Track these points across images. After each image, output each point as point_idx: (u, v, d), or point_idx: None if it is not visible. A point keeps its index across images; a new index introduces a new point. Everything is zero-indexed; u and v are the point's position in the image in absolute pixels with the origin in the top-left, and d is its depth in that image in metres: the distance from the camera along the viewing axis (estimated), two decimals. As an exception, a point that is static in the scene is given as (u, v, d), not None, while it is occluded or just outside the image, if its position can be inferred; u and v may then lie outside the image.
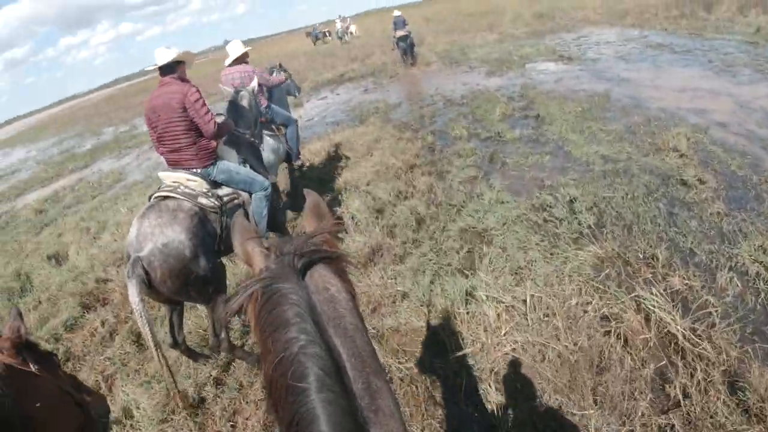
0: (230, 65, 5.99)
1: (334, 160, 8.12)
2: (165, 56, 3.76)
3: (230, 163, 4.12)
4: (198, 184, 3.77)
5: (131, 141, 18.26)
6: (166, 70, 3.79)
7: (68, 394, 2.01)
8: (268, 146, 5.61)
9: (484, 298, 3.72)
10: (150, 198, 3.69)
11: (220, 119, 4.17)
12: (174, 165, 3.89)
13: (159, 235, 3.24)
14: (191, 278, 3.33)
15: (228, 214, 3.82)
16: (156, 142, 3.93)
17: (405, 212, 5.54)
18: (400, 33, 17.00)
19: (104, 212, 9.33)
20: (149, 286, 3.19)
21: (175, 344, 3.80)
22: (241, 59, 5.99)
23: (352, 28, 37.34)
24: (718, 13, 17.86)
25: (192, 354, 3.95)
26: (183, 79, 3.84)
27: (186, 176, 3.76)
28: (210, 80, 32.68)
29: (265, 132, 5.67)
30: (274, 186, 5.04)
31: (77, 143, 23.96)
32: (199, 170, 3.84)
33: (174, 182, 3.75)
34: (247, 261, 1.32)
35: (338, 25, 37.09)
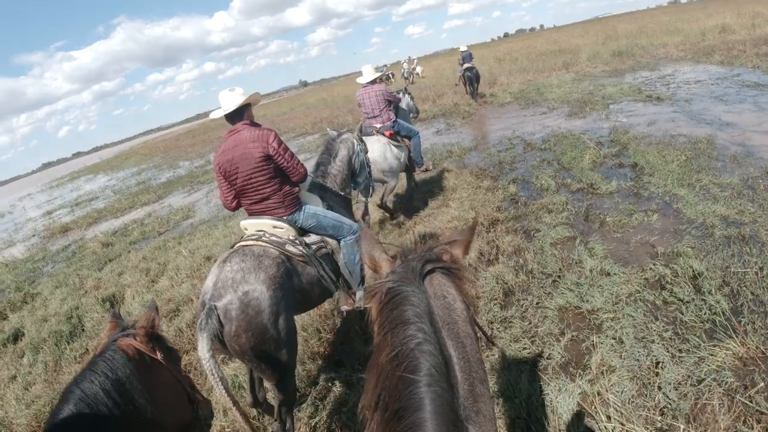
0: (365, 86, 6.77)
1: (407, 211, 7.51)
2: (232, 101, 3.45)
3: (317, 208, 3.85)
4: (285, 230, 3.55)
5: (203, 176, 18.56)
6: (235, 116, 3.49)
7: (185, 390, 2.19)
8: (392, 154, 6.59)
9: (605, 421, 2.91)
10: (232, 246, 3.39)
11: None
12: (259, 215, 3.63)
13: (241, 282, 2.91)
14: (266, 337, 2.90)
15: (315, 264, 3.52)
16: (229, 195, 3.63)
17: (489, 281, 4.82)
18: (467, 65, 18.07)
19: (166, 252, 9.12)
20: (221, 340, 2.85)
21: (255, 403, 3.49)
22: (374, 81, 6.80)
23: (419, 69, 37.52)
24: (813, 50, 16.41)
25: (274, 411, 3.38)
26: (254, 124, 3.54)
27: (272, 222, 3.53)
28: (284, 119, 33.86)
29: (392, 143, 6.65)
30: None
31: (154, 175, 24.92)
32: (285, 217, 3.60)
33: (259, 230, 3.52)
34: (374, 267, 1.45)
35: (404, 65, 37.65)
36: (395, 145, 6.67)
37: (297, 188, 3.71)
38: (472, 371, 1.14)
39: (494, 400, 1.58)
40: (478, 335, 1.42)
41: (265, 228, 3.52)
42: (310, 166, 4.60)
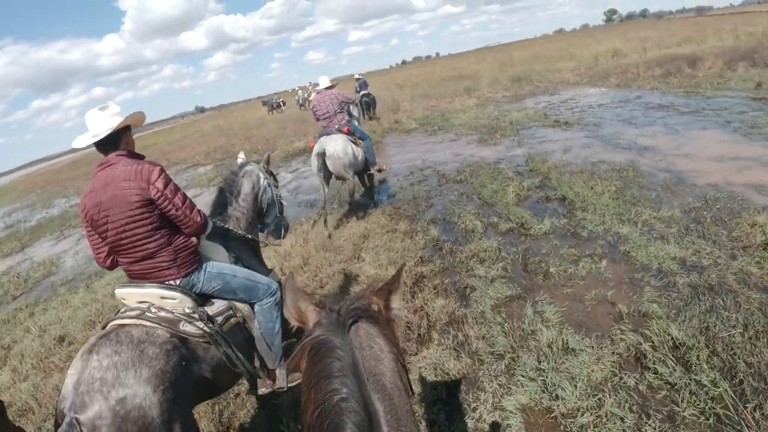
0: (321, 92, 7.29)
1: (309, 266, 6.23)
2: (104, 123, 2.59)
3: (221, 263, 2.99)
4: (178, 302, 2.68)
5: (76, 219, 16.05)
6: (108, 144, 2.63)
7: None
8: (352, 149, 6.89)
9: None
10: (104, 326, 2.53)
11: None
12: (142, 279, 2.72)
13: (113, 385, 2.15)
14: None
15: (222, 344, 2.70)
16: (101, 251, 2.76)
17: (427, 371, 3.68)
18: (363, 92, 19.42)
19: (14, 329, 7.18)
20: None
21: None
22: (330, 87, 7.31)
23: (312, 96, 36.49)
24: (703, 69, 17.28)
25: None
26: (134, 155, 2.71)
27: (159, 292, 2.64)
28: (175, 148, 31.26)
29: (349, 138, 6.92)
30: None
31: (25, 216, 21.87)
32: (178, 281, 2.72)
33: (141, 302, 2.63)
34: (300, 319, 1.41)
35: (299, 92, 37.68)
36: (353, 141, 6.99)
37: (193, 240, 2.81)
38: (401, 425, 1.06)
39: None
40: (407, 387, 1.26)
41: (150, 299, 2.63)
42: (205, 205, 3.48)
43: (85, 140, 2.64)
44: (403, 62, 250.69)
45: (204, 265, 2.84)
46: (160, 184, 2.54)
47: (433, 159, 11.03)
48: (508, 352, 3.69)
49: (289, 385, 3.14)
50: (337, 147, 6.69)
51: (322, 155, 6.79)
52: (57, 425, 2.12)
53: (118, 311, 2.66)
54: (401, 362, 1.26)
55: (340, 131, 6.92)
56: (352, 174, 7.12)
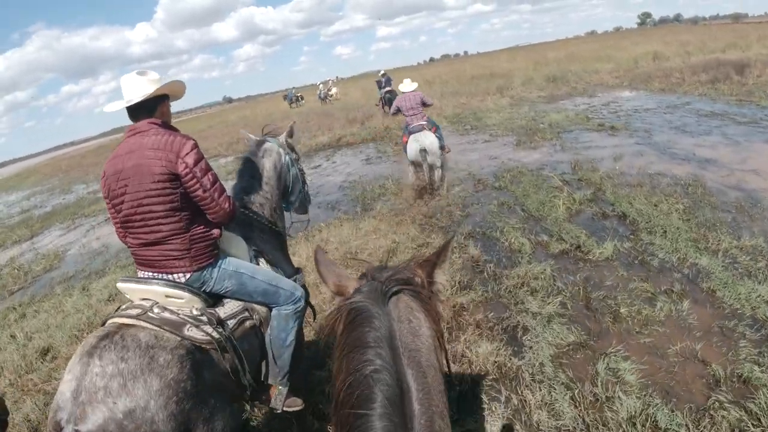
0: (405, 93, 8.48)
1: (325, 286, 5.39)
2: (139, 89, 2.33)
3: (239, 261, 2.62)
4: (185, 302, 2.34)
5: (90, 207, 15.53)
6: (141, 111, 2.36)
7: None
8: (437, 145, 8.07)
9: None
10: (103, 323, 2.26)
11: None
12: (148, 267, 2.40)
13: (119, 396, 1.84)
14: None
15: (231, 350, 2.36)
16: (118, 225, 2.45)
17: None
18: (387, 89, 19.09)
19: (1, 332, 6.54)
20: None
21: None
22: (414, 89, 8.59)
23: (334, 91, 37.01)
24: (752, 77, 16.09)
25: None
26: (168, 126, 2.42)
27: (165, 290, 2.31)
28: (198, 138, 30.01)
29: (435, 135, 8.16)
30: None
31: (42, 201, 21.60)
32: (188, 275, 2.37)
33: (144, 299, 2.32)
34: (339, 289, 1.32)
35: (320, 86, 37.26)
36: (439, 137, 8.23)
37: (216, 231, 2.48)
38: (432, 404, 1.00)
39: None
40: (444, 367, 1.22)
41: (154, 297, 2.33)
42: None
43: (117, 104, 2.42)
44: (431, 59, 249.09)
45: (220, 262, 2.49)
46: (190, 160, 2.25)
47: (467, 160, 10.16)
48: (581, 429, 2.83)
49: (286, 409, 2.81)
50: (434, 143, 8.03)
51: (424, 151, 8.01)
52: None
53: (119, 308, 2.38)
54: (440, 340, 1.20)
55: (430, 129, 8.20)
56: (439, 162, 8.39)
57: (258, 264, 2.79)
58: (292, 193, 3.48)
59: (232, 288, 2.52)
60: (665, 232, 5.27)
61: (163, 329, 2.17)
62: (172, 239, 2.33)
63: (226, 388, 2.37)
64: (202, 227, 2.41)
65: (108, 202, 2.43)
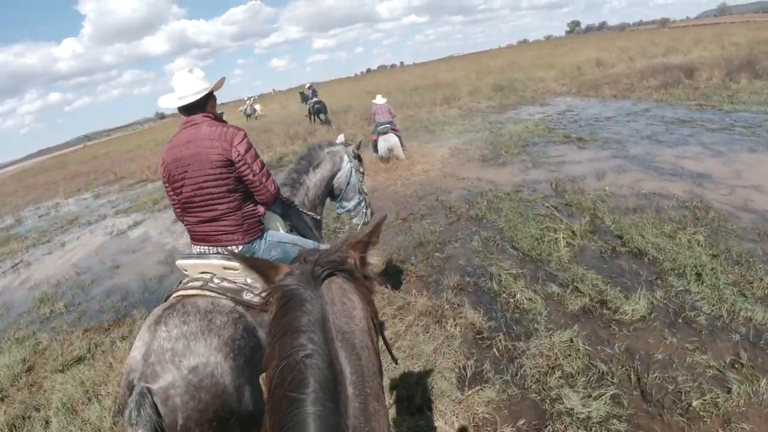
0: (378, 104, 11.21)
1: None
2: (193, 86, 2.60)
3: (281, 233, 2.98)
4: (240, 272, 2.51)
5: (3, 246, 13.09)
6: (195, 108, 2.64)
7: None
8: (400, 142, 11.00)
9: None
10: (166, 298, 2.49)
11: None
12: (204, 241, 2.69)
13: (185, 354, 2.08)
14: (230, 423, 2.14)
15: None
16: (177, 207, 2.73)
17: None
18: (314, 99, 20.70)
19: None
20: None
21: None
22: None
23: (257, 107, 36.81)
24: (702, 80, 15.93)
25: None
26: (218, 119, 2.67)
27: (222, 263, 2.54)
28: (125, 160, 27.77)
29: (398, 134, 11.00)
30: None
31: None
32: (241, 247, 2.67)
33: (203, 273, 2.57)
34: (268, 272, 1.26)
35: (246, 102, 37.24)
36: (399, 137, 10.91)
37: (260, 209, 2.80)
38: (366, 386, 1.00)
39: (388, 415, 1.07)
40: (381, 347, 1.23)
41: (212, 270, 2.56)
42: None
43: (172, 102, 2.63)
44: (368, 70, 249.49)
45: (265, 234, 2.81)
46: (242, 148, 2.54)
47: (430, 182, 9.01)
48: None
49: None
50: (397, 142, 10.77)
51: (391, 150, 10.72)
52: (125, 399, 2.04)
53: (180, 282, 2.61)
54: (374, 321, 1.20)
55: (394, 130, 10.84)
56: (403, 155, 10.88)
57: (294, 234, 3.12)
58: (346, 199, 3.78)
59: (278, 256, 2.75)
60: (698, 274, 4.30)
61: (225, 296, 2.40)
62: (227, 216, 2.62)
63: None
64: (251, 206, 2.72)
65: (168, 186, 2.69)
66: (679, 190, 6.52)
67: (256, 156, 2.64)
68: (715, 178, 6.86)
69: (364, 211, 3.92)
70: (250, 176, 2.60)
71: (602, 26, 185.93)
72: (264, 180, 2.67)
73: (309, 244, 3.02)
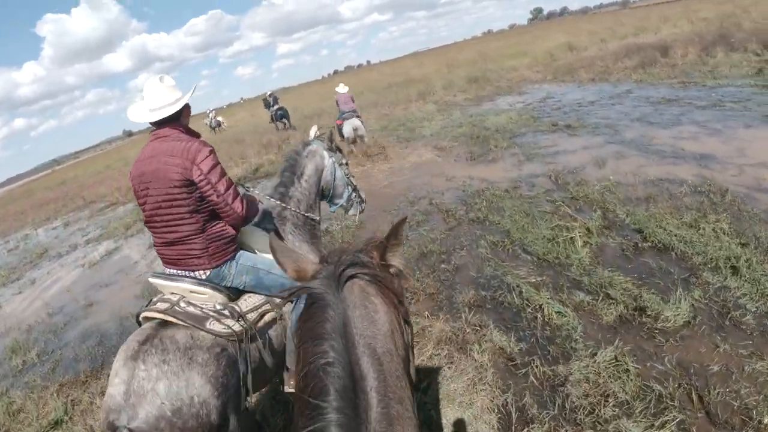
0: (341, 93, 11.96)
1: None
2: (165, 97, 2.48)
3: (257, 256, 2.75)
4: (208, 297, 2.50)
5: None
6: (165, 120, 2.49)
7: None
8: (363, 124, 11.82)
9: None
10: (138, 318, 2.51)
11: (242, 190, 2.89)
12: (173, 264, 2.57)
13: (166, 395, 2.03)
14: None
15: (255, 339, 2.49)
16: (146, 223, 2.60)
17: None
18: (276, 107, 21.72)
19: None
20: None
21: None
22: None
23: (220, 119, 36.90)
24: (678, 57, 15.80)
25: None
26: (189, 131, 2.58)
27: (189, 287, 2.49)
28: (94, 183, 26.60)
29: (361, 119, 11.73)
30: None
31: None
32: (208, 272, 2.54)
33: (173, 294, 2.51)
34: (298, 275, 1.27)
35: (210, 114, 37.20)
36: (362, 121, 11.75)
37: (230, 230, 2.60)
38: (388, 391, 0.99)
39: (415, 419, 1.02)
40: (409, 347, 1.21)
41: (180, 292, 2.49)
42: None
43: (143, 115, 2.50)
44: (335, 72, 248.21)
45: (237, 257, 2.63)
46: (204, 166, 2.37)
47: (420, 185, 8.56)
48: None
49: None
50: (360, 124, 11.54)
51: (356, 130, 11.48)
52: None
53: (150, 301, 2.54)
54: (400, 321, 1.16)
55: (358, 116, 11.66)
56: (366, 137, 11.91)
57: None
58: (337, 196, 3.64)
59: (250, 283, 2.64)
60: (734, 267, 3.93)
61: (186, 323, 2.29)
62: (191, 239, 2.47)
63: (256, 377, 2.45)
64: (218, 226, 2.54)
65: (138, 199, 2.54)
66: (687, 173, 6.19)
67: (222, 174, 2.47)
68: (719, 158, 6.55)
69: (358, 200, 3.82)
70: (214, 197, 2.43)
71: (564, 11, 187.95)
72: (230, 201, 2.48)
73: (283, 279, 2.70)
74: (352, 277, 1.12)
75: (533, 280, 4.40)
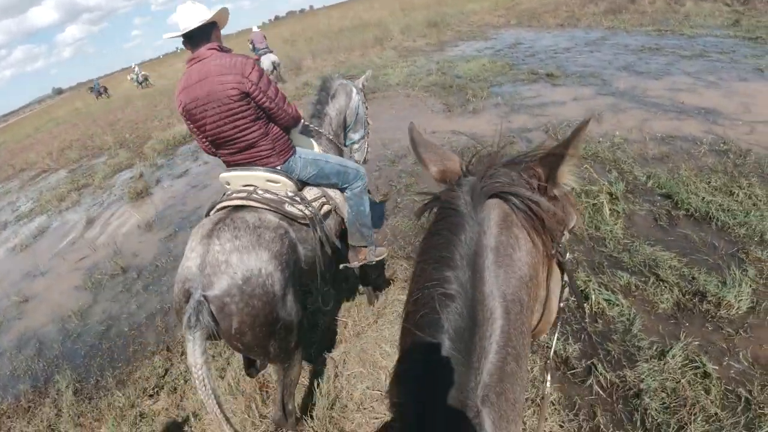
0: (255, 31, 14.24)
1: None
2: (195, 15, 2.54)
3: (313, 151, 3.09)
4: (282, 185, 2.77)
5: None
6: (199, 37, 2.58)
7: None
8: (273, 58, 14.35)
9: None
10: (212, 208, 2.66)
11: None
12: (245, 166, 2.78)
13: (238, 266, 2.20)
14: (276, 328, 2.31)
15: (318, 228, 2.76)
16: (205, 142, 2.78)
17: None
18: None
19: None
20: (217, 337, 2.20)
21: (251, 372, 2.97)
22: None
23: (145, 73, 35.81)
24: (643, 5, 15.51)
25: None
26: (224, 49, 2.61)
27: (266, 175, 2.73)
28: (22, 148, 23.96)
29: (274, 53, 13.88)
30: None
31: None
32: (279, 167, 2.79)
33: (247, 185, 2.73)
34: (443, 176, 1.12)
35: (135, 69, 35.83)
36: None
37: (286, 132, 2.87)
38: (509, 344, 0.82)
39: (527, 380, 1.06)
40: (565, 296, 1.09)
41: (255, 182, 2.73)
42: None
43: (177, 31, 2.58)
44: (276, 18, 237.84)
45: (299, 152, 2.88)
46: (254, 77, 2.50)
47: (397, 140, 7.84)
48: None
49: (375, 259, 3.28)
50: (275, 57, 14.14)
51: (273, 62, 13.97)
52: (179, 306, 2.20)
53: (224, 194, 2.74)
54: (545, 266, 0.98)
55: (271, 51, 14.27)
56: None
57: None
58: (355, 130, 3.77)
59: (314, 172, 2.91)
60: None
61: (268, 207, 2.53)
62: (259, 143, 2.68)
63: (316, 262, 2.71)
64: (278, 129, 2.75)
65: (191, 125, 2.69)
66: (696, 130, 5.77)
67: (269, 82, 2.63)
68: (725, 113, 6.15)
69: (366, 147, 3.95)
70: (268, 103, 2.60)
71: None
72: (282, 104, 2.68)
73: (340, 160, 3.12)
74: (496, 196, 0.92)
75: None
